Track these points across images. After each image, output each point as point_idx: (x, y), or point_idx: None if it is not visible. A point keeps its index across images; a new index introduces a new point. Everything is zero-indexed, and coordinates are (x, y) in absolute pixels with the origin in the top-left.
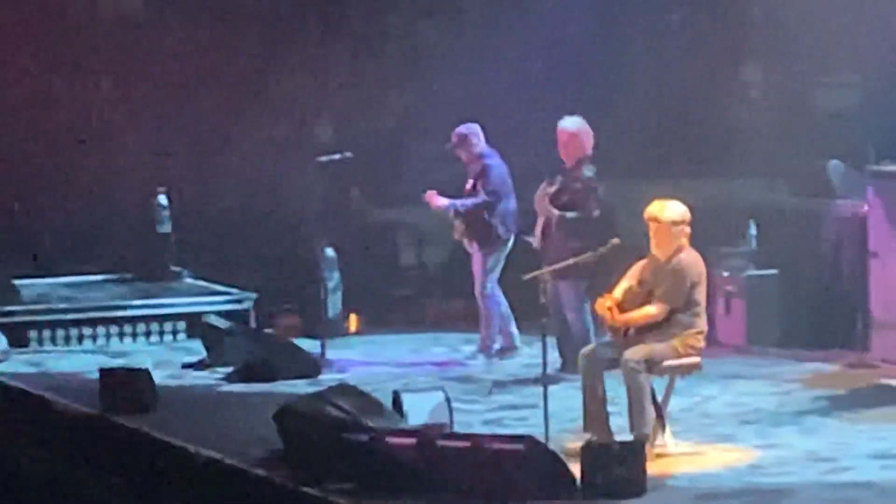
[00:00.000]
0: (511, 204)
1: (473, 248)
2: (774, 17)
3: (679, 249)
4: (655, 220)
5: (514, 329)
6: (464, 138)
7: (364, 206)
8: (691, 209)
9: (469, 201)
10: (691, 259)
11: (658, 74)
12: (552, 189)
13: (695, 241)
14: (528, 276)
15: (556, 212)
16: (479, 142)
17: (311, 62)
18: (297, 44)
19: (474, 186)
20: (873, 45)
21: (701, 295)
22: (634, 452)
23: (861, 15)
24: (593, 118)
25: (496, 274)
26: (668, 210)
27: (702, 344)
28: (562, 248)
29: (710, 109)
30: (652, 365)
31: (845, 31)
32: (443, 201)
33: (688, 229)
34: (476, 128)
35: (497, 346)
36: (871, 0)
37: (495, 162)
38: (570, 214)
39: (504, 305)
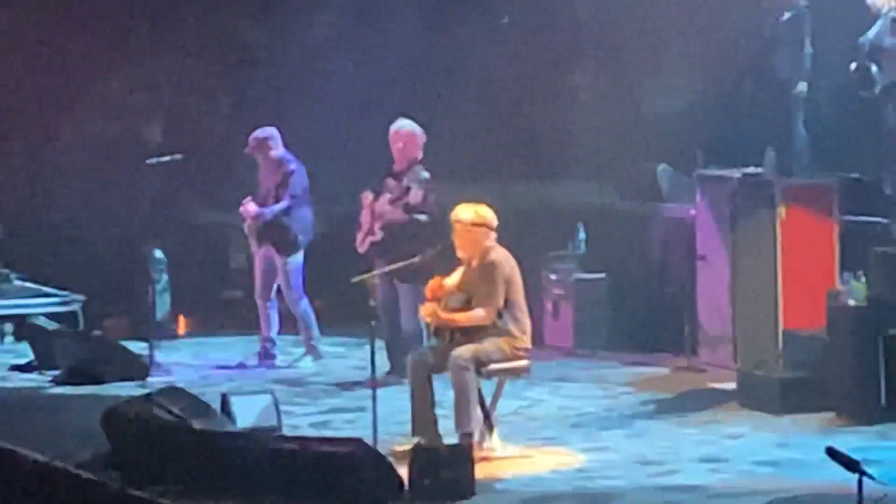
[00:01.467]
0: (309, 209)
1: (270, 254)
2: (603, 20)
3: (487, 251)
4: (456, 221)
5: (315, 331)
6: (261, 142)
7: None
8: (520, 212)
9: (277, 207)
10: (500, 257)
11: (487, 77)
12: (389, 194)
13: (523, 244)
14: (356, 279)
15: (403, 215)
16: (278, 146)
17: (142, 62)
18: (128, 43)
19: (276, 191)
20: (701, 50)
21: (518, 293)
22: (462, 455)
23: (689, 19)
24: (423, 121)
25: (301, 277)
26: (466, 212)
27: (528, 344)
28: (395, 250)
29: (539, 112)
30: (480, 365)
31: (674, 34)
32: (256, 209)
33: (491, 232)
34: (274, 131)
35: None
36: (699, 5)
37: (297, 167)
38: (420, 217)
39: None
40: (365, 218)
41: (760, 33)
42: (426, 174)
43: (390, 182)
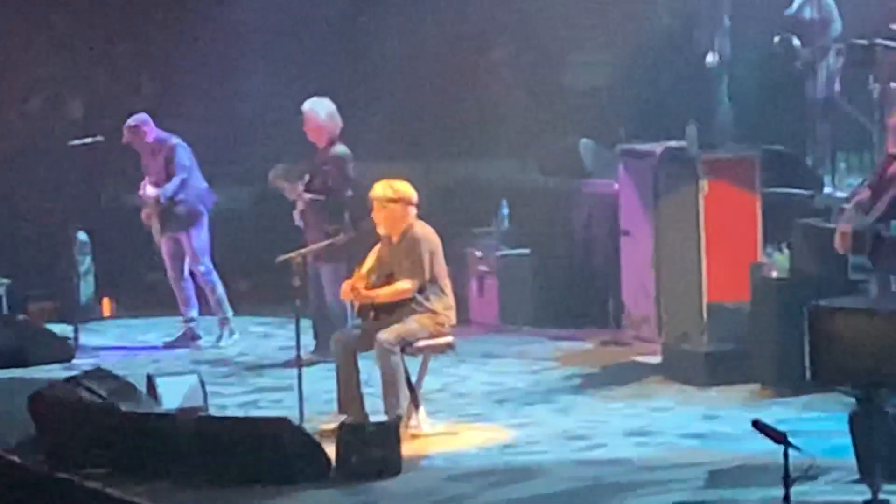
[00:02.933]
0: (201, 179)
1: (174, 233)
2: None
3: (410, 226)
4: (374, 199)
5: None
6: (134, 130)
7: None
8: (444, 190)
9: (172, 185)
10: (424, 231)
11: (409, 54)
12: (305, 176)
13: (447, 221)
14: (280, 259)
15: (306, 195)
16: (151, 129)
17: (63, 43)
18: (50, 25)
19: (165, 170)
20: (622, 24)
21: (441, 269)
22: (389, 433)
23: None
24: (344, 100)
25: (208, 250)
26: (382, 189)
27: (452, 320)
28: (317, 230)
29: (461, 89)
30: (405, 345)
31: (594, 10)
32: (153, 190)
33: (410, 207)
34: (145, 117)
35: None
36: None
37: (178, 141)
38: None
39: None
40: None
41: (681, 8)
42: (339, 149)
43: (305, 162)
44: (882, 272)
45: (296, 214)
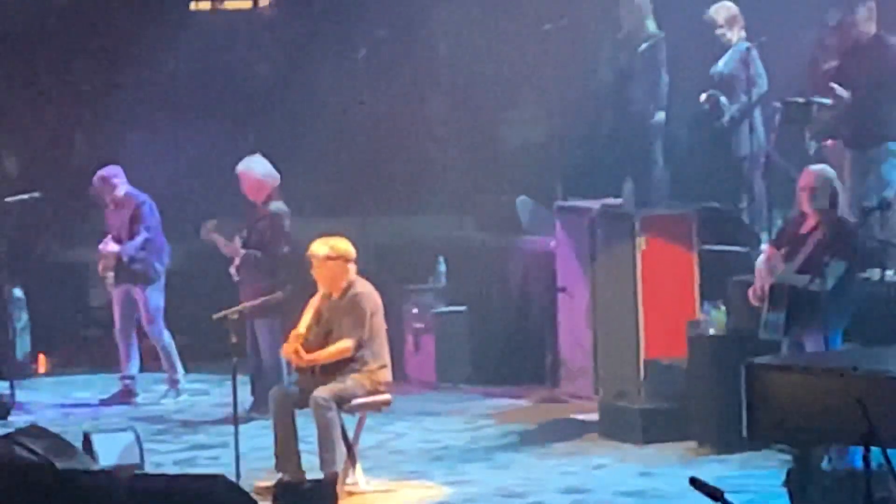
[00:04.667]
0: (162, 238)
1: (129, 289)
2: (459, 53)
3: (350, 284)
4: (312, 256)
5: (177, 362)
6: (105, 181)
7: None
8: (380, 246)
9: (134, 244)
10: (366, 290)
11: (344, 111)
12: (242, 231)
13: (383, 278)
14: (217, 315)
15: (241, 251)
16: (123, 182)
17: None
18: None
19: (130, 226)
20: (556, 82)
21: (380, 326)
22: (326, 490)
23: (545, 52)
24: (280, 156)
25: (161, 309)
26: (320, 247)
27: (388, 378)
28: (253, 286)
29: (398, 146)
30: (342, 402)
31: (530, 67)
32: (115, 247)
33: (350, 264)
34: (118, 169)
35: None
36: (554, 38)
37: (146, 199)
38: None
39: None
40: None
41: (616, 65)
42: (275, 206)
43: (250, 218)
44: (793, 327)
45: (232, 270)
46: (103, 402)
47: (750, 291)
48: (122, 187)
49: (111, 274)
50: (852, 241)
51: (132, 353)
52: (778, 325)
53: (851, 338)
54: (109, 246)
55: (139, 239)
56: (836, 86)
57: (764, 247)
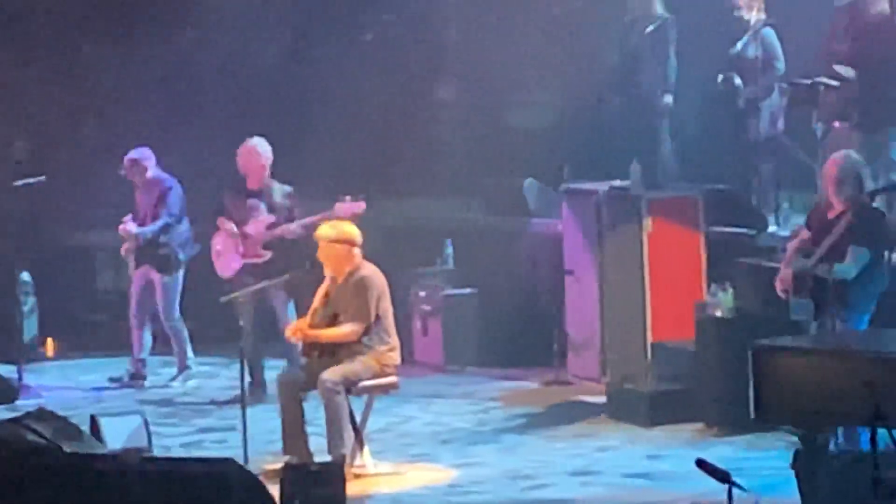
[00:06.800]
0: (187, 227)
1: (148, 274)
2: (466, 36)
3: (356, 267)
4: (319, 238)
5: (189, 350)
6: (135, 163)
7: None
8: (388, 229)
9: (156, 226)
10: (371, 272)
11: (352, 94)
12: (254, 213)
13: (392, 261)
14: (225, 299)
15: (292, 231)
16: (152, 166)
17: (7, 83)
18: None
19: (154, 210)
20: (565, 64)
21: (387, 309)
22: (333, 473)
23: (553, 34)
24: (288, 140)
25: (178, 296)
26: (328, 230)
27: (397, 360)
28: (278, 268)
29: (405, 129)
30: (350, 385)
31: (537, 49)
32: (134, 229)
33: (355, 249)
34: (148, 152)
35: (190, 364)
36: (562, 19)
37: (173, 184)
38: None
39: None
40: (229, 243)
41: (624, 47)
42: (288, 188)
43: (252, 202)
44: (822, 314)
45: (224, 266)
46: (113, 380)
47: (777, 281)
48: (151, 170)
49: (132, 258)
50: (880, 229)
51: (145, 338)
52: (807, 309)
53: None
54: (128, 226)
55: (159, 223)
56: (839, 67)
57: (771, 228)
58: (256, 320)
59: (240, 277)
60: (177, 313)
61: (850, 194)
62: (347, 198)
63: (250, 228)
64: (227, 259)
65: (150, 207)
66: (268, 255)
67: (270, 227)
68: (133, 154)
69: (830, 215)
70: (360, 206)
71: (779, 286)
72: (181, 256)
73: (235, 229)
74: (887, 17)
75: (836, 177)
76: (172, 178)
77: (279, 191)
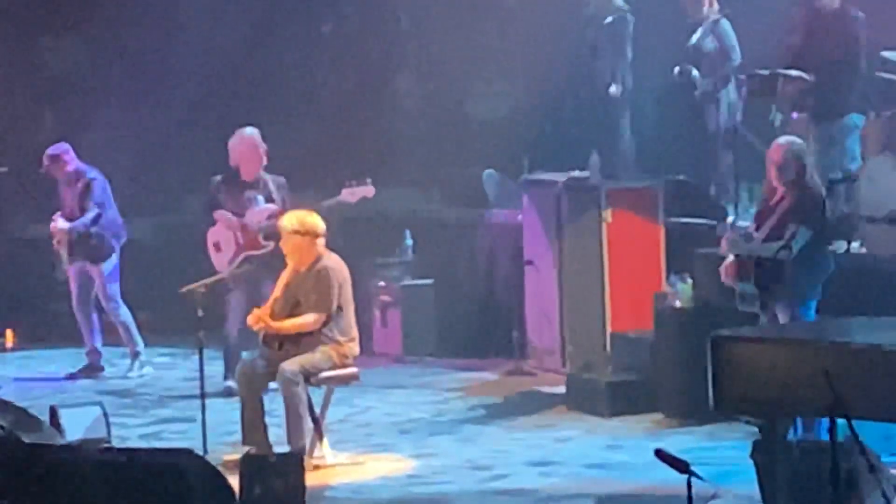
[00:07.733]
0: (116, 214)
1: (84, 266)
2: (425, 28)
3: (318, 258)
4: (281, 229)
5: (137, 336)
6: (55, 158)
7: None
8: (347, 219)
9: (87, 218)
10: (334, 263)
11: (310, 84)
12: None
13: (351, 251)
14: (184, 289)
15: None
16: (72, 159)
17: None
18: None
19: (80, 203)
20: (524, 55)
21: (348, 300)
22: (293, 464)
23: (511, 26)
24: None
25: (117, 284)
26: (288, 220)
27: (356, 352)
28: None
29: (364, 119)
30: (309, 375)
31: (496, 41)
32: (65, 224)
33: (318, 240)
34: (66, 146)
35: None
36: (520, 11)
37: (96, 174)
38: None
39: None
40: (227, 235)
41: (583, 38)
42: (281, 178)
43: (249, 193)
44: (766, 299)
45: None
46: (70, 377)
47: (721, 270)
48: (72, 164)
49: (66, 252)
50: (818, 209)
51: (93, 326)
52: (752, 297)
53: (821, 311)
54: (59, 223)
55: (89, 215)
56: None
57: (730, 219)
58: (247, 308)
59: (241, 269)
60: (116, 302)
61: (792, 178)
62: (353, 182)
63: (249, 219)
64: (225, 252)
65: (75, 201)
66: (270, 245)
67: (272, 216)
68: (51, 150)
69: (772, 202)
70: (370, 190)
71: (723, 274)
72: (113, 244)
73: (235, 220)
74: (839, 10)
75: (779, 161)
76: (93, 168)
77: (273, 181)
